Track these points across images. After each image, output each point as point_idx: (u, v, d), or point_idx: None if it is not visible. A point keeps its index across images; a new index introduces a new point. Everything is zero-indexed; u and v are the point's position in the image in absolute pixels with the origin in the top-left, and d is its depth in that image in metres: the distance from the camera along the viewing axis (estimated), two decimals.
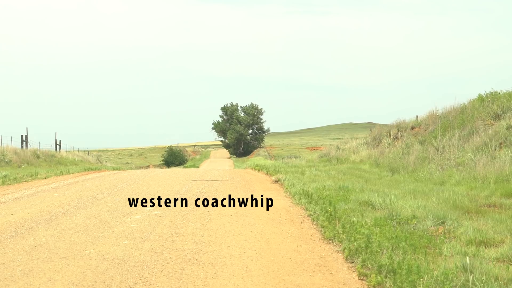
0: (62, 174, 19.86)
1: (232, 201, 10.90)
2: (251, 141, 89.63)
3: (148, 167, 58.25)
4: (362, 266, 5.48)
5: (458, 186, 11.03)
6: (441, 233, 6.89)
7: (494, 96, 17.70)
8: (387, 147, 21.34)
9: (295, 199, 10.75)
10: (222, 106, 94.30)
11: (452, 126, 17.38)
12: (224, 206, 10.27)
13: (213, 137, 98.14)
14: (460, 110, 18.70)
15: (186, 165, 62.82)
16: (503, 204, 8.73)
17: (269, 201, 10.74)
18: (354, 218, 7.61)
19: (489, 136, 14.16)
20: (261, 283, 5.18)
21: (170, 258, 6.12)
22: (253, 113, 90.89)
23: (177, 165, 63.62)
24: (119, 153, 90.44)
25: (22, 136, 34.00)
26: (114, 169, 29.49)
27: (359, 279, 5.30)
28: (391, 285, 4.85)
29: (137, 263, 5.89)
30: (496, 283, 4.70)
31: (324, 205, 8.88)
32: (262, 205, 10.30)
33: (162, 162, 69.08)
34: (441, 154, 15.14)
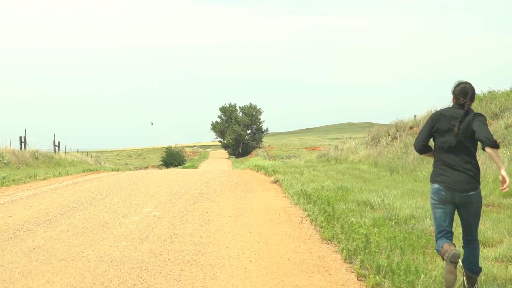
0: (61, 176, 19.85)
1: (230, 202, 10.89)
2: (249, 141, 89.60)
3: (147, 167, 58.20)
4: (360, 266, 5.49)
5: None
6: None
7: (492, 96, 17.72)
8: (386, 147, 21.35)
9: (294, 200, 10.75)
10: (221, 106, 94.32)
11: None
12: (223, 206, 10.27)
13: (211, 138, 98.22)
14: None
15: (185, 165, 62.78)
16: (502, 203, 8.73)
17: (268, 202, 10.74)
18: (353, 218, 7.61)
19: None
20: (259, 284, 5.18)
21: (169, 259, 6.12)
22: (252, 113, 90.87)
23: (176, 166, 63.57)
24: (117, 154, 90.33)
25: (20, 137, 33.97)
26: (112, 170, 29.47)
27: (357, 279, 5.30)
28: (389, 286, 4.85)
29: (135, 265, 5.89)
30: (494, 282, 4.70)
31: (322, 205, 8.88)
32: (260, 206, 10.30)
33: (161, 162, 69.01)
34: None
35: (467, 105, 4.55)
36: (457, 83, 4.73)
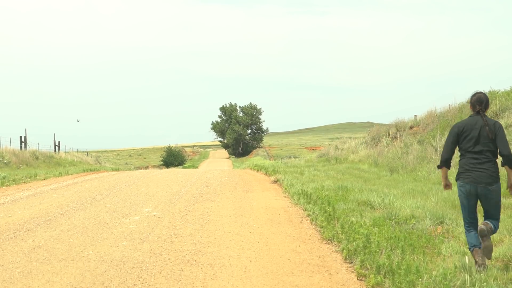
0: (61, 175, 19.86)
1: (230, 202, 10.89)
2: (250, 141, 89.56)
3: (147, 167, 58.18)
4: (361, 266, 5.48)
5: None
6: (440, 232, 6.89)
7: (492, 95, 17.73)
8: (386, 147, 21.34)
9: (294, 199, 10.75)
10: (221, 106, 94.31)
11: (450, 125, 17.38)
12: (223, 206, 10.27)
13: (212, 137, 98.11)
14: (458, 110, 18.72)
15: (185, 165, 62.76)
16: (502, 203, 8.71)
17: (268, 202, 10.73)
18: (353, 218, 7.61)
19: None
20: (260, 284, 5.18)
21: (169, 259, 6.12)
22: (252, 113, 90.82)
23: (176, 166, 63.55)
24: (118, 154, 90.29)
25: (21, 137, 33.93)
26: (113, 169, 29.47)
27: (358, 279, 5.30)
28: (389, 285, 4.85)
29: (135, 264, 5.89)
30: (494, 282, 4.70)
31: (323, 205, 8.88)
32: (261, 206, 10.30)
33: (161, 162, 68.98)
34: (440, 153, 15.14)
35: (482, 111, 5.35)
36: (474, 93, 5.48)
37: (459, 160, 5.41)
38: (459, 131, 5.38)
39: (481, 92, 5.43)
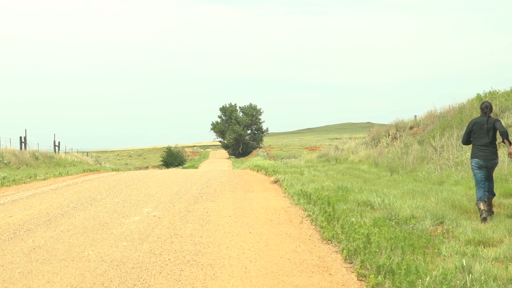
0: (61, 176, 19.85)
1: (231, 202, 10.88)
2: (250, 141, 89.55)
3: (147, 168, 58.19)
4: (361, 266, 5.48)
5: (457, 186, 11.03)
6: (440, 233, 6.89)
7: (492, 96, 17.72)
8: (386, 147, 21.34)
9: (294, 200, 10.75)
10: (221, 106, 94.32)
11: (450, 125, 17.39)
12: (223, 206, 10.26)
13: (212, 138, 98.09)
14: (458, 110, 18.71)
15: (185, 165, 62.78)
16: (502, 203, 8.74)
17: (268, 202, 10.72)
18: (353, 219, 7.61)
19: None
20: (260, 284, 5.18)
21: (169, 259, 6.12)
22: (252, 113, 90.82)
23: (176, 166, 63.56)
24: (118, 154, 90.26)
25: (20, 137, 33.93)
26: (113, 170, 29.47)
27: (358, 279, 5.30)
28: (390, 286, 4.85)
29: (135, 265, 5.89)
30: (495, 283, 4.70)
31: (323, 205, 8.88)
32: (261, 206, 10.30)
33: (161, 162, 68.99)
34: (440, 154, 15.14)
35: (488, 114, 8.11)
36: (482, 102, 8.40)
37: (472, 146, 8.21)
38: (471, 125, 8.18)
39: (487, 101, 8.28)
